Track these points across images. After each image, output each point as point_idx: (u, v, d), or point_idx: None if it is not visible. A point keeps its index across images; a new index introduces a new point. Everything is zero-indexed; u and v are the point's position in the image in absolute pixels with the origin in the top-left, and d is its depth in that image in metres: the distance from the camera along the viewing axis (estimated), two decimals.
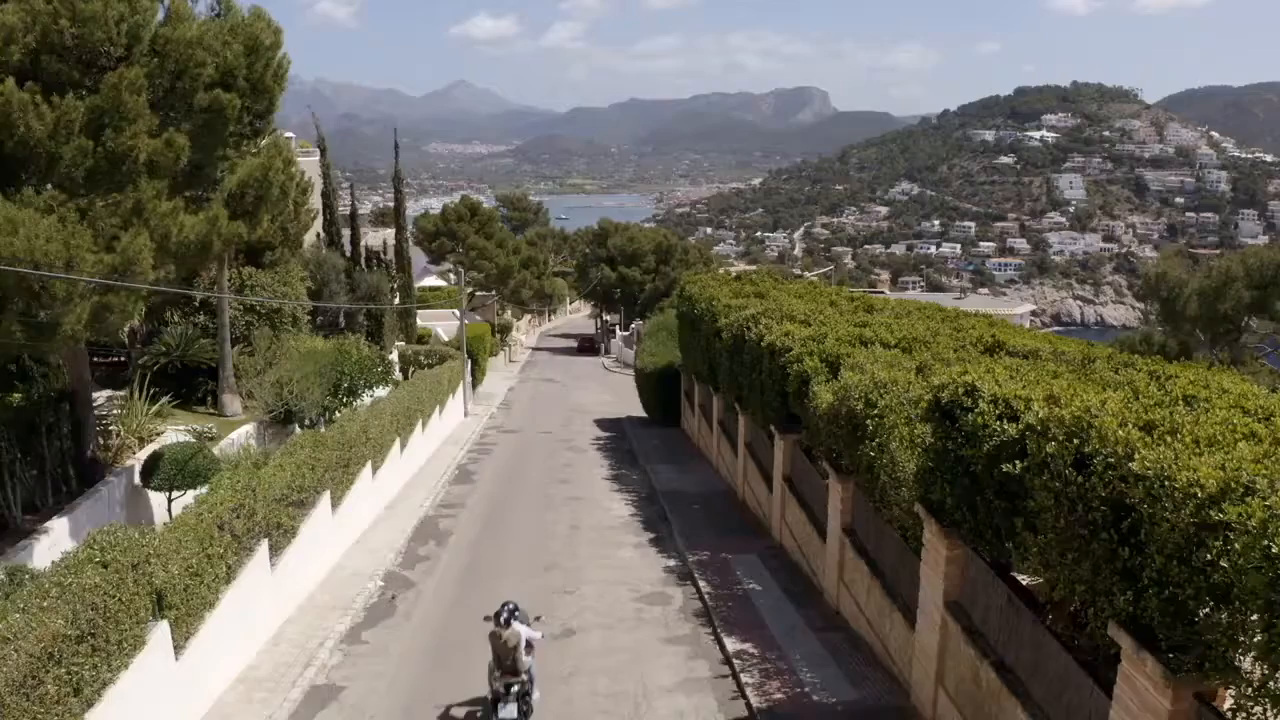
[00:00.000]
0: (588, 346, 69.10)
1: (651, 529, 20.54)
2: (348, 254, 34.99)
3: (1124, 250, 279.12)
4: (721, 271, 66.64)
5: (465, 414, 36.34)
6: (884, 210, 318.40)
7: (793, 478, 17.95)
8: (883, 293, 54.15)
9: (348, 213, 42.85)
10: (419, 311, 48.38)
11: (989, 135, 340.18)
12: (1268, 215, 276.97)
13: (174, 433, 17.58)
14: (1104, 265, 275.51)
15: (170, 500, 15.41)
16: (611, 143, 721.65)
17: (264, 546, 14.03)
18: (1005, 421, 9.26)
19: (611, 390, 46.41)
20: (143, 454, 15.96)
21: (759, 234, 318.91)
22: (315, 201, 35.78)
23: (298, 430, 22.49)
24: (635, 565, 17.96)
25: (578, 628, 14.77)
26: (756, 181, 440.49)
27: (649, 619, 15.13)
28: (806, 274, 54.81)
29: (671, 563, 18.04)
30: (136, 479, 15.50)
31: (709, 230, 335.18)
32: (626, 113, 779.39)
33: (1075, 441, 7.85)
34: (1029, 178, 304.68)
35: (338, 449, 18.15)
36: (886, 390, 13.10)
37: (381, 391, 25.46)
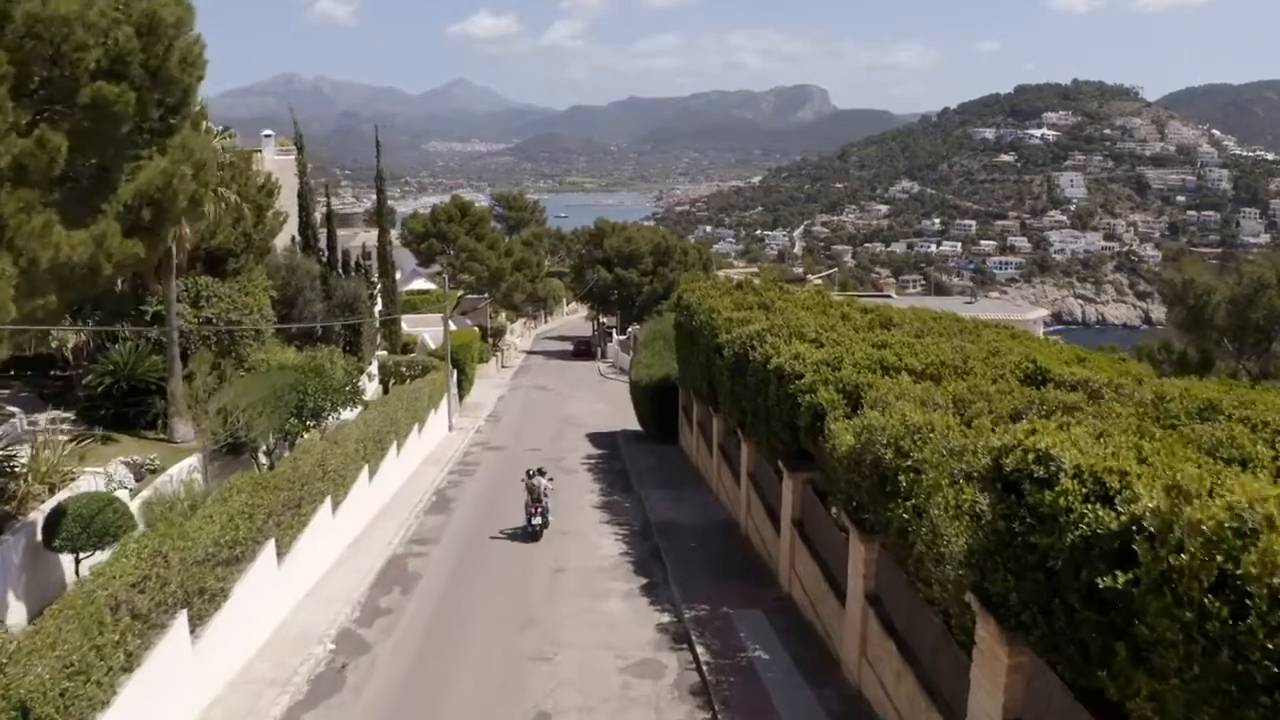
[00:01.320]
0: (584, 350, 66.82)
1: (644, 572, 18.29)
2: (324, 258, 32.73)
3: (1125, 249, 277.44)
4: (722, 275, 64.18)
5: (450, 428, 34.10)
6: (884, 209, 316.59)
7: (804, 523, 15.69)
8: (889, 296, 51.66)
9: (342, 213, 40.87)
10: (406, 317, 46.14)
11: (989, 133, 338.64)
12: (1269, 214, 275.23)
13: (91, 476, 15.31)
14: (1105, 264, 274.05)
15: (78, 561, 13.17)
16: (611, 141, 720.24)
17: (181, 619, 11.79)
18: (1098, 506, 7.03)
19: (606, 399, 44.18)
20: (52, 503, 13.71)
21: (759, 232, 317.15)
22: (291, 202, 33.56)
23: (258, 459, 20.26)
24: (624, 622, 15.70)
25: (554, 709, 12.54)
26: (756, 179, 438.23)
27: (638, 698, 12.88)
28: (810, 277, 52.29)
29: (665, 619, 15.79)
30: (40, 535, 13.26)
31: (708, 229, 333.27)
32: (626, 111, 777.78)
33: (1219, 557, 5.63)
34: (1029, 176, 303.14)
35: (287, 488, 15.91)
36: (922, 437, 10.85)
37: (351, 413, 23.20)
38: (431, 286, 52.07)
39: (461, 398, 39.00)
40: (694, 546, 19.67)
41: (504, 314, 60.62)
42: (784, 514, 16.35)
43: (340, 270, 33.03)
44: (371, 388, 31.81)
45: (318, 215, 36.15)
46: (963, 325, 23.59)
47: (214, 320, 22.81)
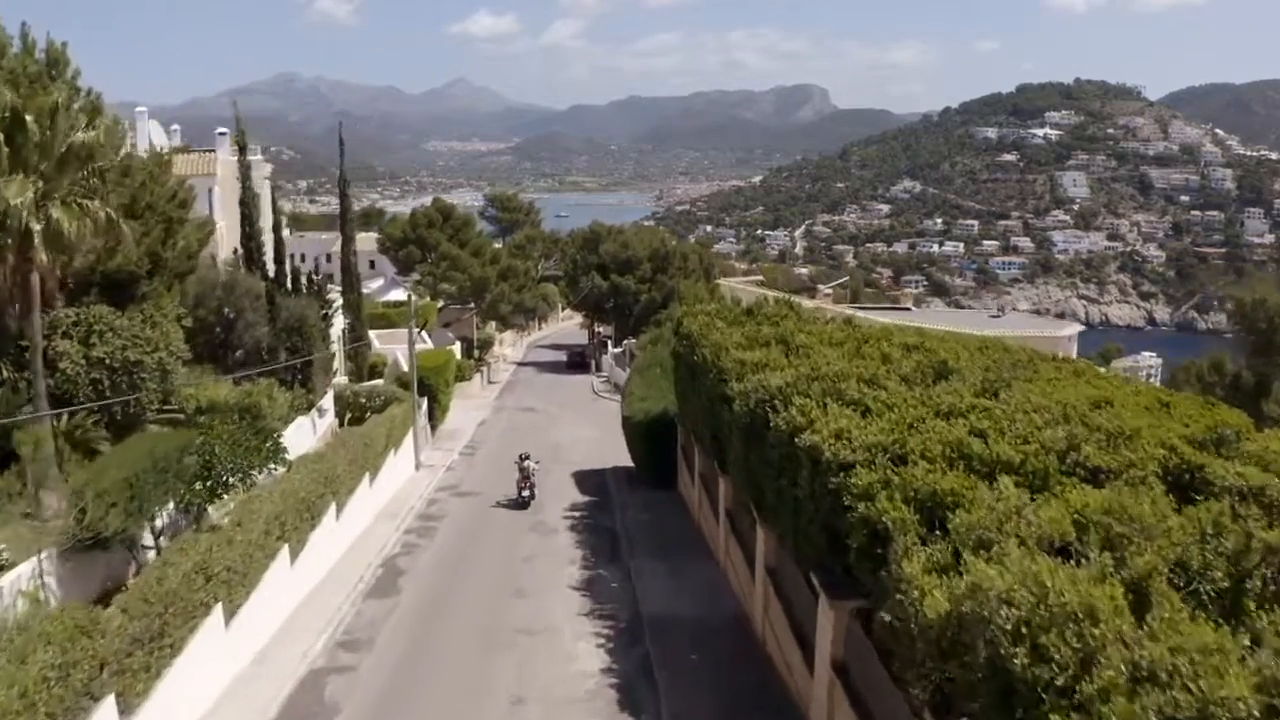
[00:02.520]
0: (578, 362, 62.44)
1: (629, 703, 13.88)
2: (271, 274, 28.26)
3: (1129, 249, 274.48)
4: (725, 285, 59.47)
5: (417, 466, 29.70)
6: (885, 209, 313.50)
7: (852, 672, 11.27)
8: (908, 309, 47.15)
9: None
10: (379, 333, 41.73)
11: (991, 133, 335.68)
12: (1273, 214, 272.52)
13: None
14: (1108, 264, 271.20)
15: None
16: (611, 140, 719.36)
17: None
18: None
19: (598, 424, 39.72)
20: None
21: (759, 232, 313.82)
22: (224, 211, 29.12)
23: (136, 553, 15.85)
24: None
25: None
26: (757, 179, 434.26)
27: None
28: (821, 287, 47.98)
29: None
30: None
31: (709, 228, 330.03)
32: (626, 110, 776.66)
33: None
34: (1032, 175, 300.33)
35: (141, 616, 11.52)
36: (1082, 636, 6.46)
37: (269, 476, 18.74)
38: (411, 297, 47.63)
39: (435, 426, 34.55)
40: (695, 660, 15.25)
41: (492, 324, 56.13)
42: (820, 648, 11.93)
43: (290, 286, 28.54)
44: (323, 425, 27.41)
45: (266, 223, 31.74)
46: (1015, 359, 19.22)
47: (106, 360, 18.39)
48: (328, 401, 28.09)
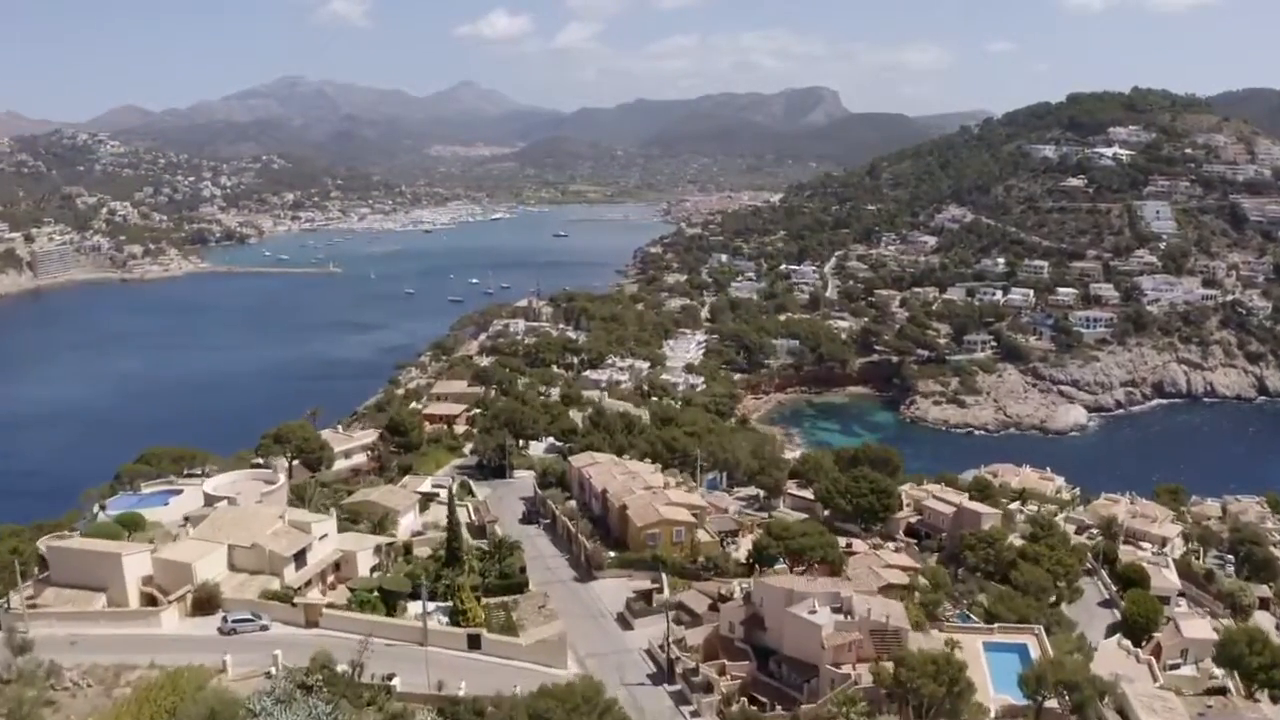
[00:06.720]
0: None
1: None
2: None
3: (1229, 297, 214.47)
4: None
5: None
6: (931, 240, 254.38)
7: None
8: None
9: None
10: None
11: (1050, 151, 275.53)
12: None
13: None
14: (1209, 318, 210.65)
15: None
16: (617, 144, 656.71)
17: None
18: None
19: None
20: None
21: (783, 266, 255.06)
22: None
23: None
24: None
25: None
26: (775, 197, 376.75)
27: None
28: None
29: None
30: None
31: (724, 257, 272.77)
32: (633, 114, 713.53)
33: None
34: (1105, 205, 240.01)
35: None
36: None
37: None
38: None
39: None
40: None
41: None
42: None
43: None
44: None
45: None
46: None
47: None
48: None
